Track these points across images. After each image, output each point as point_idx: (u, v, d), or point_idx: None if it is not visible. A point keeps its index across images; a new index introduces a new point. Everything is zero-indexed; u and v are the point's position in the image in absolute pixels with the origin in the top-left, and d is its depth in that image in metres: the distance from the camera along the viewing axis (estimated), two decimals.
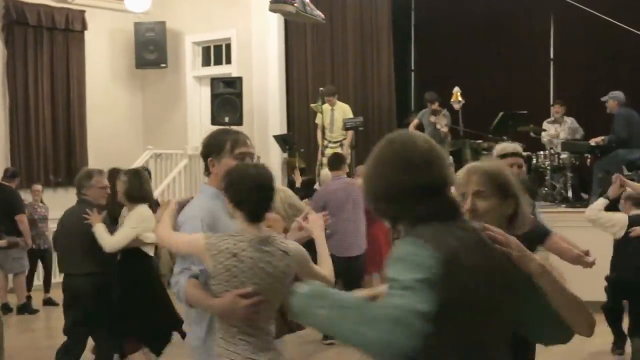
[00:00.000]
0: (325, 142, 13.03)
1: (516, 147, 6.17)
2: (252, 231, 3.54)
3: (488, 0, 14.69)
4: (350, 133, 12.88)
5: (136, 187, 6.76)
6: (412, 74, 16.18)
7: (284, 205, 8.73)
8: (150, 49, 15.23)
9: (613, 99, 11.85)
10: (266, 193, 3.60)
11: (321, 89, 12.93)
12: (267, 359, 3.53)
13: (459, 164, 13.15)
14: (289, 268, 3.58)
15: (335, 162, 9.81)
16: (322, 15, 10.24)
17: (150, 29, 15.22)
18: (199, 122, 15.39)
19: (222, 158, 4.04)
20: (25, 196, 12.01)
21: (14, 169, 12.19)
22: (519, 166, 5.90)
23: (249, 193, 3.56)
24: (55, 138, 14.45)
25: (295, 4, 9.47)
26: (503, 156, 5.87)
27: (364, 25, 14.72)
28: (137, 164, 13.74)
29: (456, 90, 12.87)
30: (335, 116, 13.02)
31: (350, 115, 13.02)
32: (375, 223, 9.54)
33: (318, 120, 13.26)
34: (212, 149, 4.08)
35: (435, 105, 13.13)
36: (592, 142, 11.96)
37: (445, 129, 12.89)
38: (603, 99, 11.93)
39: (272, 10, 10.05)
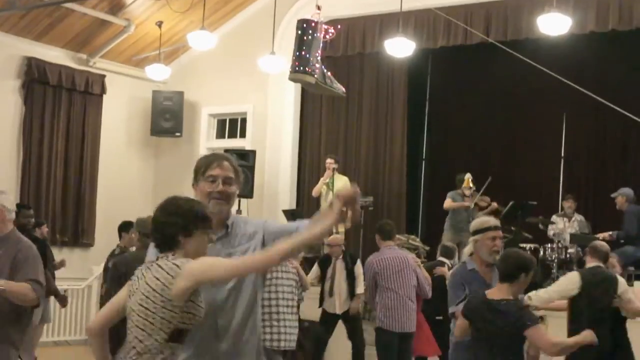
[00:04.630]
0: None
1: (496, 221, 6.20)
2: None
3: (502, 92, 14.91)
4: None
5: None
6: (424, 162, 16.28)
7: None
8: (167, 118, 15.40)
9: (622, 195, 11.90)
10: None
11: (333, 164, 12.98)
12: None
13: None
14: None
15: (389, 230, 9.50)
16: (343, 89, 10.33)
17: (168, 98, 15.42)
18: None
19: (198, 182, 4.09)
20: None
21: (40, 220, 11.95)
22: (500, 239, 6.00)
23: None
24: (65, 198, 14.52)
25: (316, 75, 9.57)
26: (484, 230, 5.95)
27: (380, 108, 14.83)
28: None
29: (468, 176, 12.92)
30: (337, 186, 12.91)
31: (349, 186, 12.90)
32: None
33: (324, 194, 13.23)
34: (194, 175, 4.15)
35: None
36: (601, 236, 11.94)
37: (493, 204, 13.03)
38: (613, 195, 11.99)
39: (291, 79, 10.17)
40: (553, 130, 14.81)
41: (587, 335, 5.46)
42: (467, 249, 6.24)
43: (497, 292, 5.39)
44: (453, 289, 6.06)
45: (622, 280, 7.62)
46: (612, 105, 9.58)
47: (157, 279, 3.48)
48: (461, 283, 6.00)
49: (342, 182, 12.84)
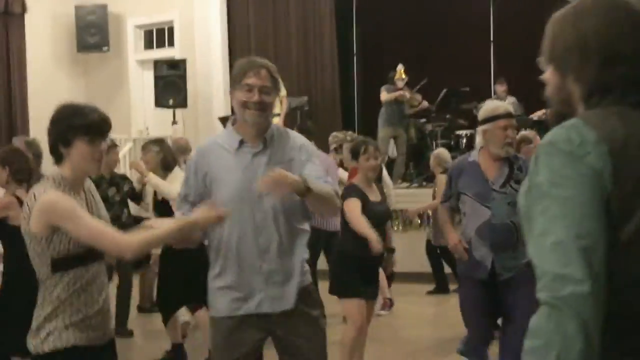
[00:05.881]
0: None
1: (507, 107, 5.58)
2: None
3: None
4: (285, 105, 12.55)
5: (170, 154, 7.20)
6: (355, 57, 16.26)
7: None
8: (92, 33, 15.08)
9: None
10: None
11: None
12: None
13: (409, 145, 13.37)
14: None
15: None
16: None
17: (91, 12, 15.07)
18: (142, 106, 15.32)
19: (235, 89, 3.91)
20: None
21: None
22: (514, 128, 5.41)
23: None
24: None
25: None
26: (494, 118, 5.30)
27: (306, 5, 14.75)
28: None
29: (400, 67, 13.00)
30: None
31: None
32: None
33: None
34: (230, 81, 4.01)
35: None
36: (534, 116, 12.17)
37: (424, 103, 13.19)
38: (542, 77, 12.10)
39: None
40: (482, 14, 14.86)
41: None
42: (477, 141, 5.92)
43: None
44: (445, 184, 5.72)
45: None
46: None
47: (25, 210, 3.38)
48: (452, 177, 5.59)
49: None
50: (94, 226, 3.31)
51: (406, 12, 15.13)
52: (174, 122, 13.41)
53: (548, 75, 2.11)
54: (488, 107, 5.49)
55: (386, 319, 8.88)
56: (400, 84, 12.98)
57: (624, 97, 2.01)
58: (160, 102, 13.38)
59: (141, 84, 15.44)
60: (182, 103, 13.34)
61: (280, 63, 14.30)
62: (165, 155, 7.25)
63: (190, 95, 13.76)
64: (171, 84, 13.44)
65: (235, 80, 3.88)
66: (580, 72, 2.05)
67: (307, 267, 4.05)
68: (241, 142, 3.91)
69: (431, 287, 10.42)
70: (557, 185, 1.89)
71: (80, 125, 3.40)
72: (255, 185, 3.73)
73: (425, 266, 10.41)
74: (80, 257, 3.35)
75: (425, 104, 13.26)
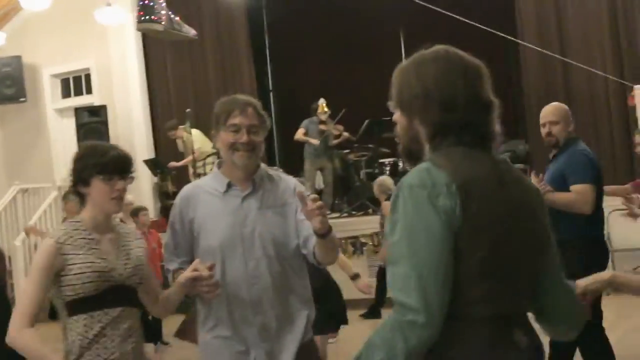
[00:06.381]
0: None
1: None
2: None
3: (335, 14, 15.07)
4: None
5: None
6: (271, 94, 16.39)
7: None
8: (8, 84, 14.89)
9: None
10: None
11: (187, 110, 12.82)
12: None
13: (335, 176, 13.51)
14: None
15: None
16: (194, 31, 10.25)
17: (6, 64, 14.89)
18: (63, 154, 15.17)
19: (219, 130, 3.67)
20: None
21: None
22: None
23: None
24: None
25: (163, 22, 9.47)
26: None
27: (224, 48, 14.85)
28: (4, 200, 13.46)
29: (321, 102, 13.20)
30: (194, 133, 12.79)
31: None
32: None
33: (187, 141, 12.91)
34: (214, 121, 3.71)
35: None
36: None
37: (344, 134, 13.31)
38: None
39: (139, 29, 10.03)
40: (392, 44, 15.10)
41: None
42: None
43: None
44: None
45: None
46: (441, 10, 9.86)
47: None
48: None
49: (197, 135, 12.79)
50: (23, 294, 3.30)
51: (318, 43, 15.36)
52: None
53: (397, 117, 2.45)
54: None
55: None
56: (323, 117, 13.16)
57: (461, 138, 2.32)
58: None
59: (61, 132, 15.29)
60: None
61: (200, 102, 14.36)
62: None
63: (113, 140, 13.66)
64: (93, 130, 13.39)
65: (219, 120, 3.63)
66: (425, 116, 2.36)
67: (308, 321, 3.72)
68: (229, 185, 3.68)
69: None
70: (410, 225, 2.21)
71: (95, 164, 3.34)
72: (246, 231, 3.57)
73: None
74: (95, 299, 3.30)
75: (346, 135, 13.45)
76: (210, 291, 3.44)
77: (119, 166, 3.38)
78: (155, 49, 14.88)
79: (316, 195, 3.46)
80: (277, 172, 3.89)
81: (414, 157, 2.42)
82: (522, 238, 2.30)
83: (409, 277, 2.16)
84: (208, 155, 12.79)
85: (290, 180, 3.81)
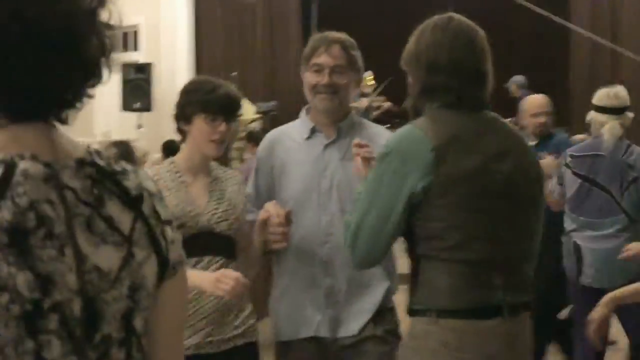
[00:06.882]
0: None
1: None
2: None
3: None
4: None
5: (131, 157, 6.89)
6: None
7: None
8: None
9: (515, 84, 12.26)
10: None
11: (233, 73, 12.79)
12: None
13: None
14: None
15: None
16: None
17: None
18: (104, 109, 15.23)
19: (306, 70, 3.42)
20: None
21: None
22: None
23: None
24: None
25: None
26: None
27: (273, 12, 14.81)
28: None
29: (366, 74, 13.02)
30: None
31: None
32: None
33: None
34: (302, 61, 3.47)
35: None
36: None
37: (385, 104, 13.36)
38: (506, 85, 12.30)
39: None
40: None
41: None
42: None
43: None
44: None
45: None
46: None
47: None
48: None
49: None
50: None
51: (367, 13, 15.32)
52: (139, 126, 13.35)
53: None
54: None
55: None
56: (366, 90, 13.07)
57: (445, 100, 2.60)
58: (127, 105, 13.32)
59: (104, 86, 15.30)
60: (147, 107, 13.27)
61: (245, 67, 14.34)
62: (125, 158, 7.12)
63: (156, 99, 13.71)
64: (138, 87, 13.38)
65: (305, 59, 3.39)
66: (417, 77, 2.69)
67: (387, 293, 3.37)
68: (313, 131, 3.41)
69: None
70: (380, 179, 2.55)
71: (199, 101, 3.14)
72: (324, 183, 3.30)
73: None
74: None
75: (387, 104, 13.28)
76: (277, 240, 3.15)
77: (224, 107, 3.17)
78: (207, 12, 14.85)
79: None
80: (368, 122, 3.66)
81: (419, 113, 2.67)
82: (500, 187, 2.54)
83: (358, 222, 2.59)
84: (250, 122, 12.79)
85: (383, 133, 3.43)
